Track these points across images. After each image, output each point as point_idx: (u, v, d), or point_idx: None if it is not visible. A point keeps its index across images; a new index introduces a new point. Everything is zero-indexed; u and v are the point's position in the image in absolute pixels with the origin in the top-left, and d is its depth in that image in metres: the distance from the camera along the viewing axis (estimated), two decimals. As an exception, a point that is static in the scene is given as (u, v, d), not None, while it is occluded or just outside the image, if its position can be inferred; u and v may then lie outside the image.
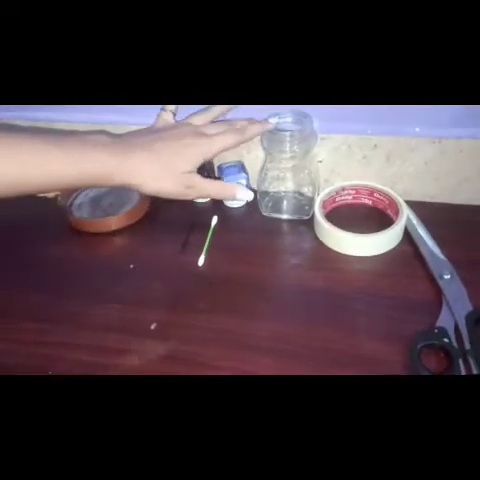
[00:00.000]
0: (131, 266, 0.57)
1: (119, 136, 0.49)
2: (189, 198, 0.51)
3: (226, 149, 0.52)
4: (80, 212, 0.64)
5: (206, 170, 0.63)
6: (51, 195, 0.68)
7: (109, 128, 0.61)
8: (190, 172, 0.50)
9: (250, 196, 0.53)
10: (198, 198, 0.52)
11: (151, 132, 0.51)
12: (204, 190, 0.51)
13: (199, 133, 0.51)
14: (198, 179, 0.51)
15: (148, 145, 0.48)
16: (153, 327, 0.50)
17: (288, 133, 0.55)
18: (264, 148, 0.58)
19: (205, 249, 0.58)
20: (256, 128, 0.53)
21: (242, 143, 0.53)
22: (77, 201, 0.65)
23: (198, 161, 0.50)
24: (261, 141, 0.57)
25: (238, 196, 0.53)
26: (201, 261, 0.57)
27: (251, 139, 0.54)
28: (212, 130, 0.52)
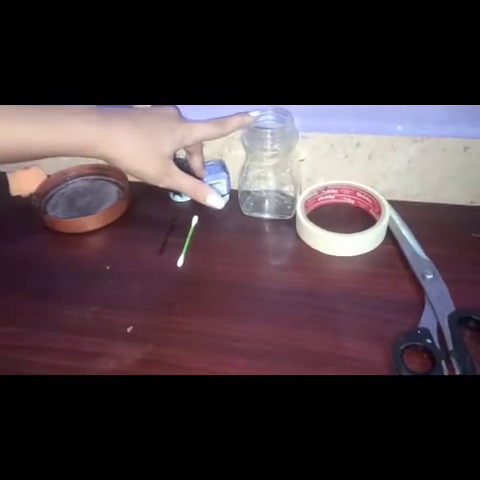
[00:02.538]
0: (107, 267, 0.56)
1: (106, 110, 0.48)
2: (162, 185, 0.50)
3: (206, 139, 0.52)
4: (55, 212, 0.62)
5: (185, 169, 0.62)
6: (25, 194, 0.66)
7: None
8: (169, 157, 0.49)
9: (220, 205, 0.52)
10: (171, 188, 0.51)
11: (136, 109, 0.51)
12: (179, 183, 0.51)
13: (182, 119, 0.51)
14: (176, 169, 0.50)
15: (134, 117, 0.48)
16: (130, 330, 0.48)
17: (269, 131, 0.54)
18: (245, 146, 0.57)
19: (185, 250, 0.57)
20: (237, 121, 0.53)
21: (223, 135, 0.53)
22: (52, 200, 0.64)
23: (177, 145, 0.50)
24: (242, 139, 0.56)
25: (208, 201, 0.51)
26: (180, 262, 0.55)
27: (232, 131, 0.53)
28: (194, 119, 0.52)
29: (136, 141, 0.46)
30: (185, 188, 0.51)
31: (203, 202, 0.52)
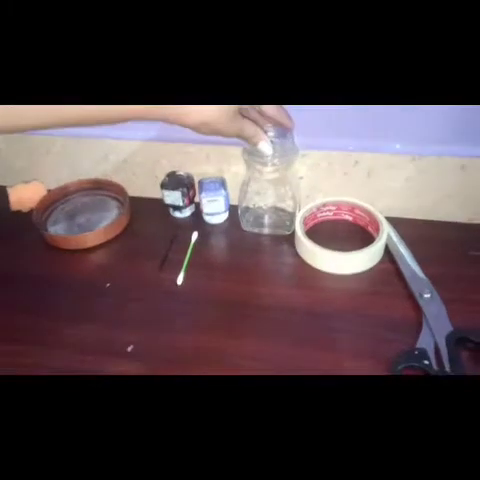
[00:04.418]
0: (107, 285, 0.56)
1: None
2: (227, 131, 0.48)
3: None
4: (55, 228, 0.62)
5: (186, 185, 0.62)
6: (26, 209, 0.66)
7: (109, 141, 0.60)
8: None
9: (269, 151, 0.52)
10: (231, 136, 0.49)
11: None
12: (240, 127, 0.49)
13: None
14: (240, 117, 0.48)
15: None
16: (130, 349, 0.49)
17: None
18: (245, 160, 0.57)
19: (184, 266, 0.57)
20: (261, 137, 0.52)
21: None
22: (52, 216, 0.64)
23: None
24: (242, 153, 0.57)
25: (259, 145, 0.51)
26: (180, 279, 0.56)
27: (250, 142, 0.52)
28: None
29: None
30: (246, 133, 0.50)
31: (255, 145, 0.51)
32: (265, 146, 0.51)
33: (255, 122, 0.52)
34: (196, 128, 0.46)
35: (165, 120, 0.44)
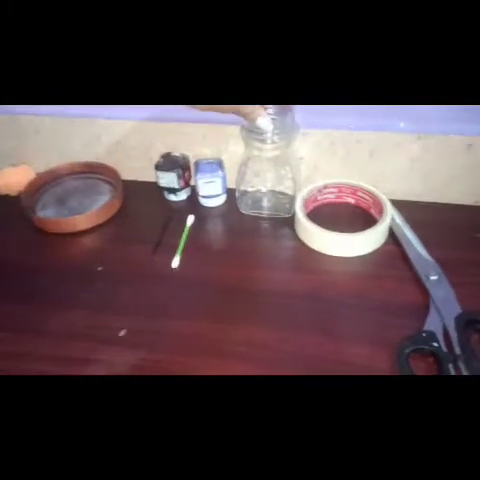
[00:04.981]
0: (99, 268, 0.53)
1: None
2: (225, 107, 0.46)
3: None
4: (44, 211, 0.60)
5: (181, 166, 0.60)
6: (14, 193, 0.64)
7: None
8: None
9: (269, 127, 0.50)
10: (228, 112, 0.46)
11: None
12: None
13: None
14: None
15: None
16: (122, 334, 0.46)
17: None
18: (244, 138, 0.54)
19: (180, 250, 0.55)
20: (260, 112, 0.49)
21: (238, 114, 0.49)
22: (42, 200, 0.61)
23: None
24: (241, 132, 0.54)
25: (258, 121, 0.49)
26: (175, 263, 0.53)
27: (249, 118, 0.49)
28: None
29: None
30: (244, 108, 0.47)
31: (253, 121, 0.49)
32: (264, 122, 0.49)
33: None
34: None
35: None
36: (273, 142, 0.53)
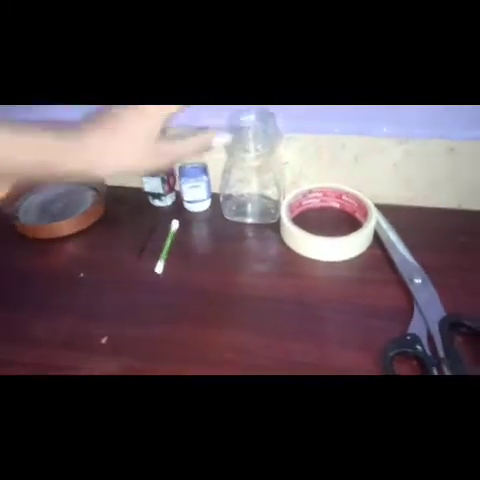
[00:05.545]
0: (81, 275, 0.53)
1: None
2: (157, 166, 0.43)
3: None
4: (26, 218, 0.59)
5: (165, 171, 0.59)
6: (-4, 200, 0.63)
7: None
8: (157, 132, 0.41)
9: (227, 139, 0.46)
10: (167, 166, 0.45)
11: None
12: (179, 153, 0.44)
13: None
14: (167, 142, 0.42)
15: (106, 116, 0.40)
16: (104, 341, 0.45)
17: (251, 131, 0.52)
18: (226, 148, 0.54)
19: (164, 255, 0.54)
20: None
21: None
22: (24, 206, 0.60)
23: (162, 117, 0.41)
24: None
25: (214, 145, 0.45)
26: (159, 268, 0.53)
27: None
28: None
29: (114, 135, 0.39)
30: (190, 150, 0.44)
31: (208, 150, 0.45)
32: (220, 141, 0.46)
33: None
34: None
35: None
36: (256, 150, 0.53)
